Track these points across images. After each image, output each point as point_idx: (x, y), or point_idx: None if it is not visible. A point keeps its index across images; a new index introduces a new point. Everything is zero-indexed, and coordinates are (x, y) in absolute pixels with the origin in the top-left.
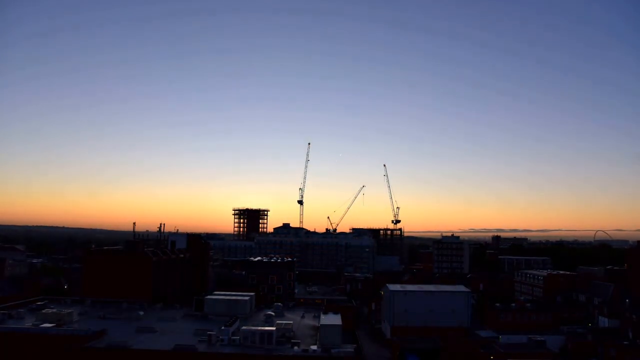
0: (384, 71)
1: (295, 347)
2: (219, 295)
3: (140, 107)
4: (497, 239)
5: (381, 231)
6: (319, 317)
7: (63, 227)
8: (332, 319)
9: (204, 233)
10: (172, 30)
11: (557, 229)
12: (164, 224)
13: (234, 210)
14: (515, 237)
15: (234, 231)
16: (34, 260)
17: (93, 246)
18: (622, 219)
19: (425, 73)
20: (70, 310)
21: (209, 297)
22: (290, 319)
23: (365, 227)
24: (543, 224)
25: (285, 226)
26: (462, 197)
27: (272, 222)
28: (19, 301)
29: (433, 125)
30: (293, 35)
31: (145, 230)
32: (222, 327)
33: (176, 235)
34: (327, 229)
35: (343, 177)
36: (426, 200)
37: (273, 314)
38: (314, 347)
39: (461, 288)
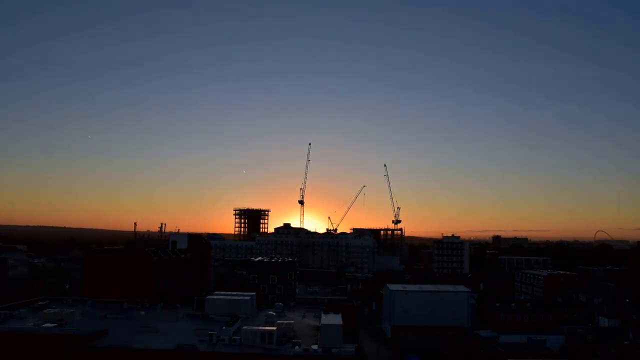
0: (385, 70)
1: (296, 347)
2: (220, 295)
3: (140, 107)
4: (497, 239)
5: (382, 231)
6: (319, 317)
7: (64, 227)
8: (333, 319)
9: (205, 233)
10: (173, 28)
11: (557, 230)
12: (165, 224)
13: (235, 210)
14: (515, 237)
15: (235, 231)
16: (36, 261)
17: (94, 246)
18: (621, 218)
19: (426, 72)
20: (71, 310)
21: (210, 297)
22: (291, 319)
23: (366, 227)
24: (544, 226)
25: (286, 226)
26: (463, 198)
27: (272, 222)
28: (21, 301)
29: (434, 125)
30: (294, 34)
31: (146, 230)
32: (223, 327)
33: (177, 235)
34: (327, 229)
35: (344, 177)
36: (427, 200)
37: (274, 313)
38: (315, 347)
39: (461, 288)
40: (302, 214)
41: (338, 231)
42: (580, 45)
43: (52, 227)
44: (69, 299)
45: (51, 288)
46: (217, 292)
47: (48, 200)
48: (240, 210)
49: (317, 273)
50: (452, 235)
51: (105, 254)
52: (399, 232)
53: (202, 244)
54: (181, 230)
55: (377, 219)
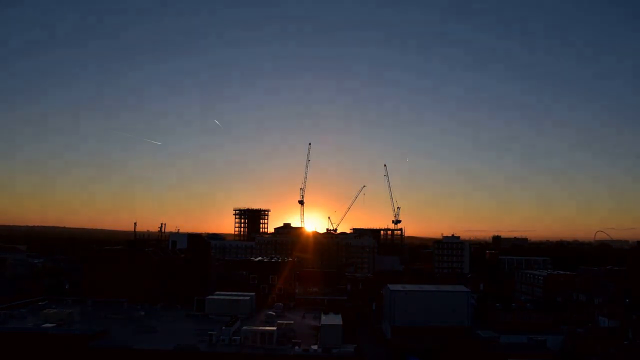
0: (385, 70)
1: (296, 347)
2: (220, 296)
3: (140, 107)
4: (497, 239)
5: (382, 231)
6: (319, 317)
7: (64, 227)
8: (333, 319)
9: (205, 233)
10: (172, 28)
11: (557, 230)
12: (165, 224)
13: (235, 210)
14: (515, 237)
15: (235, 231)
16: (35, 261)
17: (94, 246)
18: (616, 218)
19: (426, 72)
20: (71, 311)
21: (209, 297)
22: (291, 319)
23: (366, 227)
24: (543, 226)
25: (286, 226)
26: (462, 198)
27: (272, 222)
28: (21, 301)
29: (434, 126)
30: (293, 34)
31: (146, 230)
32: (223, 327)
33: (177, 235)
34: (327, 229)
35: (344, 177)
36: (427, 200)
37: (274, 314)
38: (315, 347)
39: (461, 288)
40: (302, 214)
41: (338, 231)
42: (579, 44)
43: (52, 227)
44: (69, 299)
45: (51, 288)
46: (217, 292)
47: (48, 200)
48: (240, 210)
49: (317, 273)
50: (452, 235)
51: (105, 254)
52: (399, 232)
53: (202, 244)
54: (181, 230)
55: (377, 219)
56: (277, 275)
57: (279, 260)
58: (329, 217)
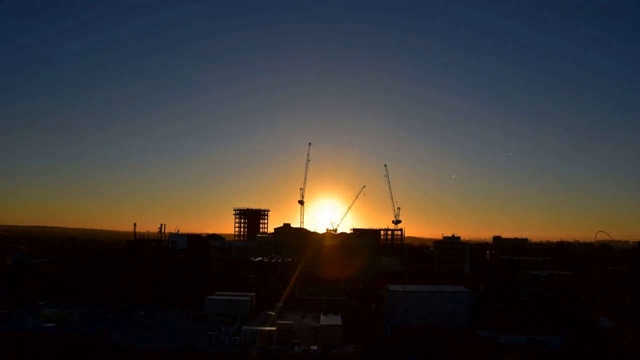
0: (385, 70)
1: (296, 347)
2: (220, 296)
3: (140, 107)
4: (497, 239)
5: (382, 231)
6: (319, 317)
7: (64, 227)
8: (332, 320)
9: (204, 233)
10: (174, 29)
11: (557, 232)
12: (165, 225)
13: (235, 210)
14: (515, 238)
15: (235, 231)
16: (35, 260)
17: (93, 246)
18: (616, 218)
19: (426, 72)
20: (71, 311)
21: (209, 297)
22: (290, 319)
23: (366, 227)
24: (543, 227)
25: (286, 226)
26: (463, 199)
27: (272, 222)
28: (21, 301)
29: (435, 126)
30: (293, 34)
31: (146, 230)
32: (223, 327)
33: (177, 235)
34: (327, 229)
35: (344, 177)
36: (427, 201)
37: (273, 314)
38: (314, 347)
39: (461, 288)
40: (302, 214)
41: (338, 231)
42: (579, 45)
43: (52, 227)
44: (69, 299)
45: (51, 288)
46: (216, 292)
47: (48, 200)
48: (240, 210)
49: (316, 273)
50: (452, 235)
51: (105, 254)
52: (399, 232)
53: (201, 244)
54: (181, 231)
55: (377, 219)
56: (277, 276)
57: (279, 261)
58: (329, 217)
